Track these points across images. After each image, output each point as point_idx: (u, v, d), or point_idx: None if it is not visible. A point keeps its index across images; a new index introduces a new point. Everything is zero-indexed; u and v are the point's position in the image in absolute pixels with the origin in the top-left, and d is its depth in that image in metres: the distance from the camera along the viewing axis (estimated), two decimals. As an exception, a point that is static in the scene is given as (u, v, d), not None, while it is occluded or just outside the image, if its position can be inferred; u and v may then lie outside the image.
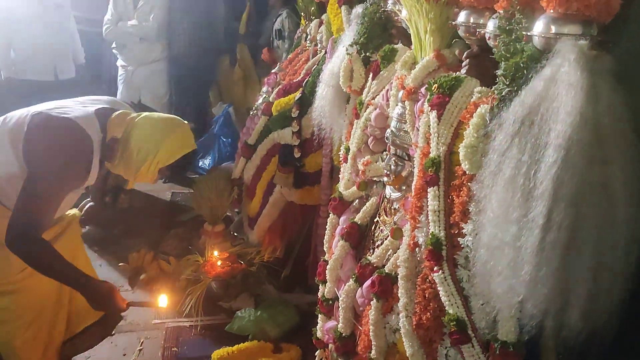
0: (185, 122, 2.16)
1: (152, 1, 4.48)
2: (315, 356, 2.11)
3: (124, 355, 2.60)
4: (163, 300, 2.18)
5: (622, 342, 1.08)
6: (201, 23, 4.72)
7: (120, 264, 3.23)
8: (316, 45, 3.15)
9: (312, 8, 3.35)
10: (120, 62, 4.63)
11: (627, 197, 1.01)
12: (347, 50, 1.99)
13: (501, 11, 1.28)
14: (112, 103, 2.10)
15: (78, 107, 1.97)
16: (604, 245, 1.01)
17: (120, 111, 2.02)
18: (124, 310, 2.03)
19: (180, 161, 2.05)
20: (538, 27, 1.16)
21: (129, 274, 3.18)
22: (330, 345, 1.87)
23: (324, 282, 1.93)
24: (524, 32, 1.19)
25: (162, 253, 3.30)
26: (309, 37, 3.29)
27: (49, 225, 1.96)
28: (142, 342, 2.67)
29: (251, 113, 3.35)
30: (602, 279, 1.03)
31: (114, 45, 4.52)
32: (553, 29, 1.13)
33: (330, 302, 1.89)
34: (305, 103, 2.84)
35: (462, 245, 1.28)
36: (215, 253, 3.01)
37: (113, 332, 2.68)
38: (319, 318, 1.99)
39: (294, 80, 3.07)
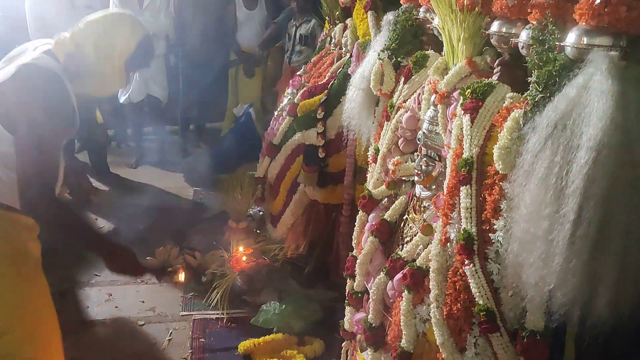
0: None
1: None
2: (342, 347, 2.21)
3: (154, 344, 2.70)
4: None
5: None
6: (213, 22, 4.88)
7: (147, 258, 3.33)
8: (341, 48, 3.24)
9: (337, 12, 3.45)
10: None
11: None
12: (378, 55, 2.08)
13: (534, 22, 1.37)
14: (40, 41, 1.98)
15: (24, 54, 1.85)
16: (631, 240, 1.10)
17: (55, 37, 1.93)
18: (141, 274, 2.00)
19: (141, 51, 2.01)
20: (570, 38, 1.25)
21: (156, 267, 3.28)
22: (358, 336, 1.96)
23: (352, 276, 2.02)
24: (556, 43, 1.28)
25: (188, 248, 3.41)
26: (333, 40, 3.38)
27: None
28: (171, 333, 2.77)
29: (276, 114, 3.45)
30: (629, 272, 1.11)
31: None
32: (585, 40, 1.21)
33: (360, 294, 1.98)
34: (330, 105, 2.93)
35: (492, 241, 1.36)
36: (240, 249, 3.11)
37: (143, 322, 2.80)
38: (347, 310, 2.08)
39: (319, 83, 3.16)
